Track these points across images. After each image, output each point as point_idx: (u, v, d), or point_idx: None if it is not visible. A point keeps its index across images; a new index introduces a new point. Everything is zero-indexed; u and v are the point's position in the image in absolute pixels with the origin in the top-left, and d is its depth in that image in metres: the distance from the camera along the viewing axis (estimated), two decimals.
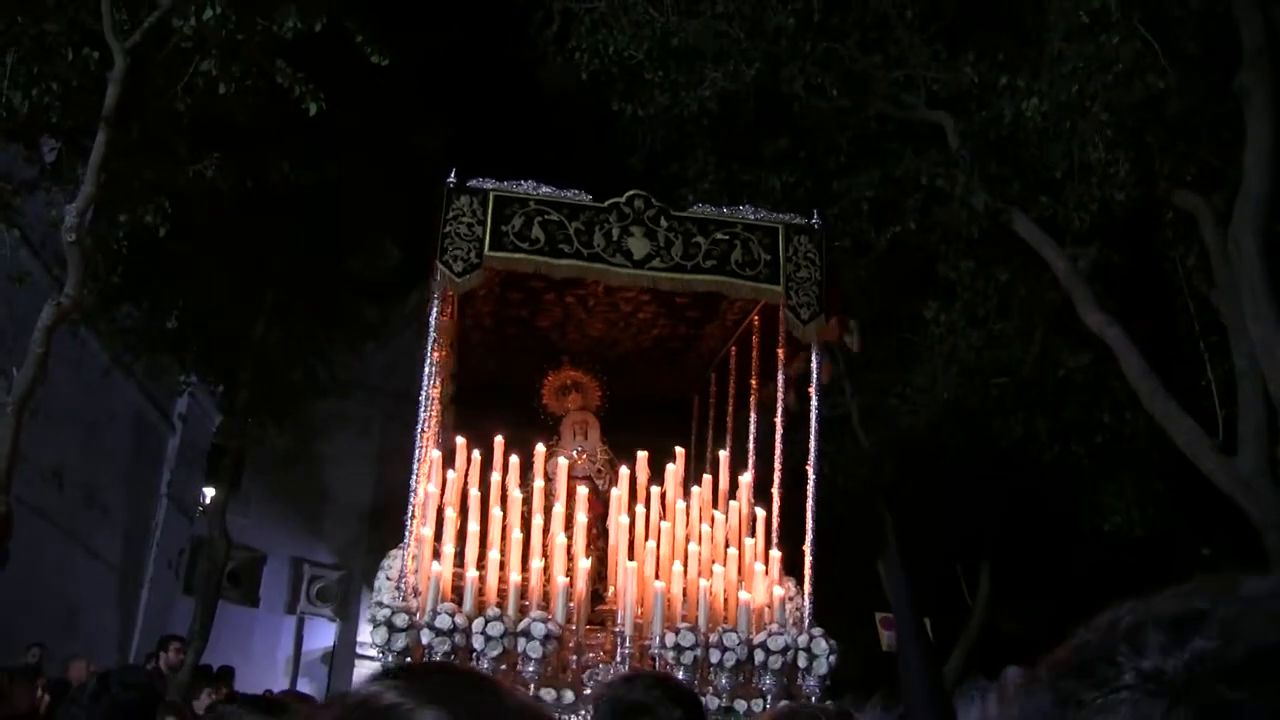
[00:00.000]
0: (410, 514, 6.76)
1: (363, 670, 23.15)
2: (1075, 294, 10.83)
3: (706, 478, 7.85)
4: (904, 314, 14.15)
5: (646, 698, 2.75)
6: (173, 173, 10.00)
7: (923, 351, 14.33)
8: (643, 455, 7.67)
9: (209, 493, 19.55)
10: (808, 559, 6.99)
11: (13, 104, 8.68)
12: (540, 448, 7.82)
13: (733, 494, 7.75)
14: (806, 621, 6.87)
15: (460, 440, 7.61)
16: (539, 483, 7.51)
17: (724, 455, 8.04)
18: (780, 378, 7.69)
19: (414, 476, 6.85)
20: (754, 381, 8.20)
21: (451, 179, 7.05)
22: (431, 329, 6.98)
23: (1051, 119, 9.95)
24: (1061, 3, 9.59)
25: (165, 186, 10.08)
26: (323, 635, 23.48)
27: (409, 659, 6.24)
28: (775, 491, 7.50)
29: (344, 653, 23.18)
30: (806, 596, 6.98)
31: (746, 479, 7.79)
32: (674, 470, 7.69)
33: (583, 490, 7.36)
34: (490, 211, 6.96)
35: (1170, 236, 11.24)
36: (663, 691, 2.80)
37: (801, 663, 6.69)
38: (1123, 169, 9.76)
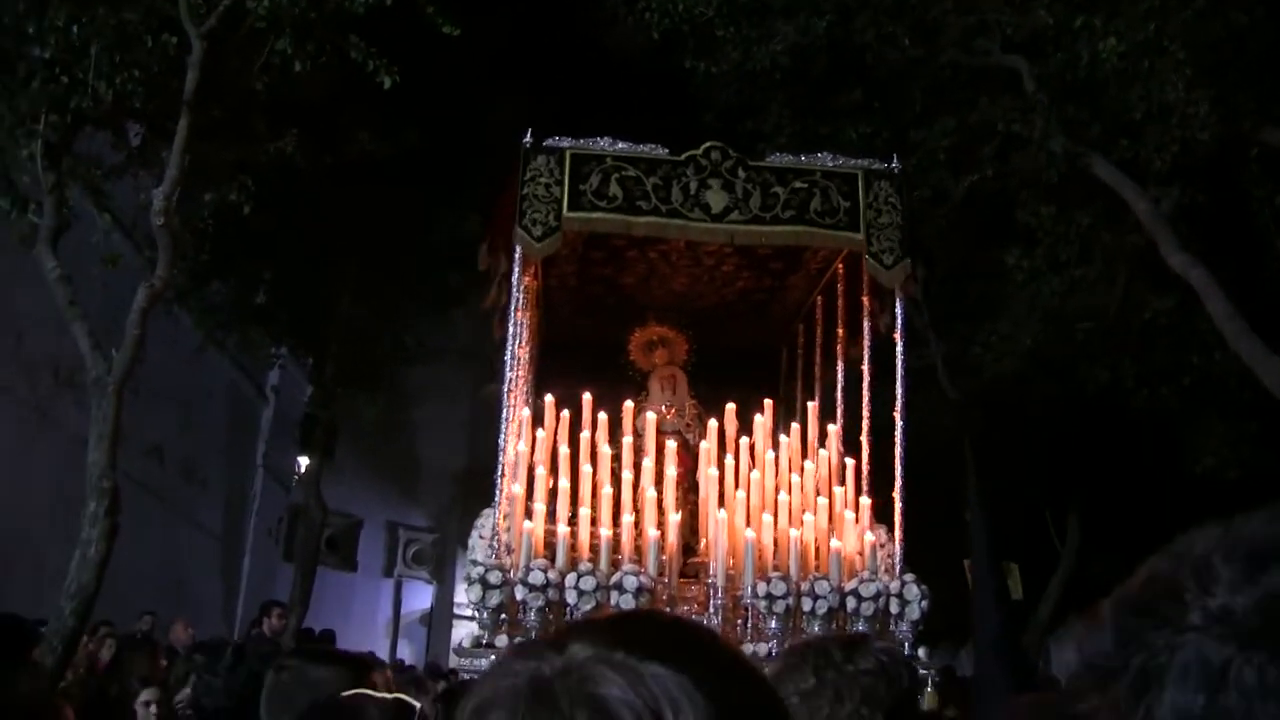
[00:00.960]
0: (500, 473, 6.80)
1: (460, 630, 23.60)
2: (1158, 236, 10.66)
3: (795, 427, 7.86)
4: (986, 262, 14.02)
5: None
6: (253, 151, 10.18)
7: (1006, 299, 14.20)
8: (730, 407, 7.69)
9: (303, 462, 20.00)
10: (898, 506, 6.96)
11: (98, 93, 8.84)
12: (629, 404, 7.87)
13: (821, 444, 7.74)
14: (898, 568, 6.86)
15: (549, 399, 7.69)
16: (628, 439, 7.55)
17: (812, 406, 8.06)
18: (866, 326, 7.70)
19: (502, 436, 6.89)
20: (840, 331, 8.19)
21: (528, 139, 7.06)
22: (515, 290, 6.97)
23: (1129, 60, 9.76)
24: None
25: (247, 165, 10.27)
26: (420, 597, 23.96)
27: (504, 616, 6.37)
28: (864, 440, 7.48)
29: (441, 613, 23.65)
30: (897, 544, 6.96)
31: (835, 428, 7.78)
32: (762, 421, 7.67)
33: (671, 444, 7.47)
34: (568, 170, 6.97)
35: (1256, 173, 10.98)
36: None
37: (894, 609, 6.69)
38: (1202, 109, 9.57)
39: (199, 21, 8.79)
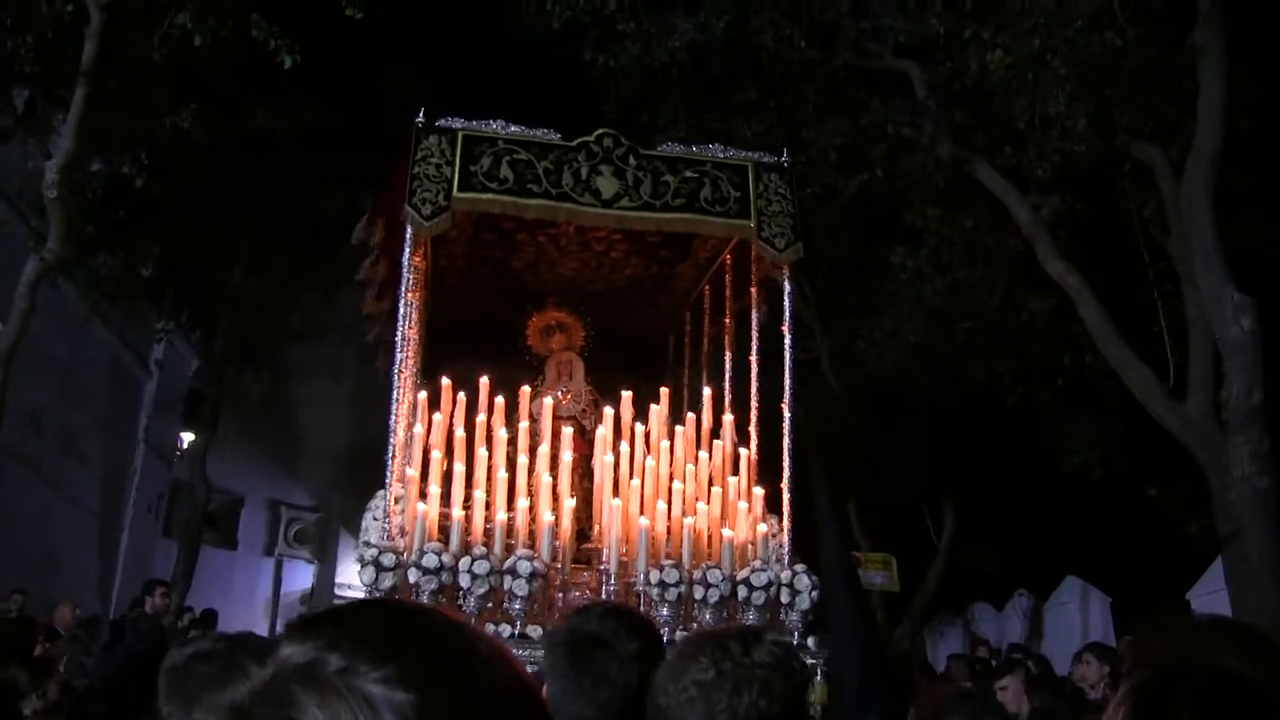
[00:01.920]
0: (390, 454, 6.76)
1: None
2: (1037, 242, 11.08)
3: (690, 416, 7.87)
4: (872, 260, 14.38)
5: (601, 629, 2.61)
6: (149, 123, 10.06)
7: (890, 296, 14.59)
8: (627, 395, 7.69)
9: (187, 437, 19.68)
10: (785, 497, 7.01)
11: None
12: (525, 388, 7.88)
13: (716, 433, 7.77)
14: (787, 558, 6.92)
15: (445, 381, 7.62)
16: (524, 423, 7.55)
17: (708, 394, 8.07)
18: (754, 318, 7.79)
19: (392, 418, 6.84)
20: (728, 320, 8.27)
21: (420, 119, 7.01)
22: (405, 269, 6.92)
23: (1014, 71, 10.12)
24: None
25: (142, 137, 10.15)
26: (301, 577, 23.68)
27: (397, 598, 6.18)
28: (753, 430, 7.52)
29: (322, 593, 23.40)
30: (786, 534, 7.01)
31: (730, 418, 7.83)
32: (659, 410, 7.69)
33: (568, 430, 7.40)
34: (459, 151, 6.93)
35: (1128, 187, 11.47)
36: (618, 622, 2.65)
37: (784, 598, 6.75)
38: (1081, 122, 9.98)
39: None
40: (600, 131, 7.20)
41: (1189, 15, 9.63)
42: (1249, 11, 10.22)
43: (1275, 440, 9.11)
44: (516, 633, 6.29)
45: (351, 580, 24.35)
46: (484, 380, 7.64)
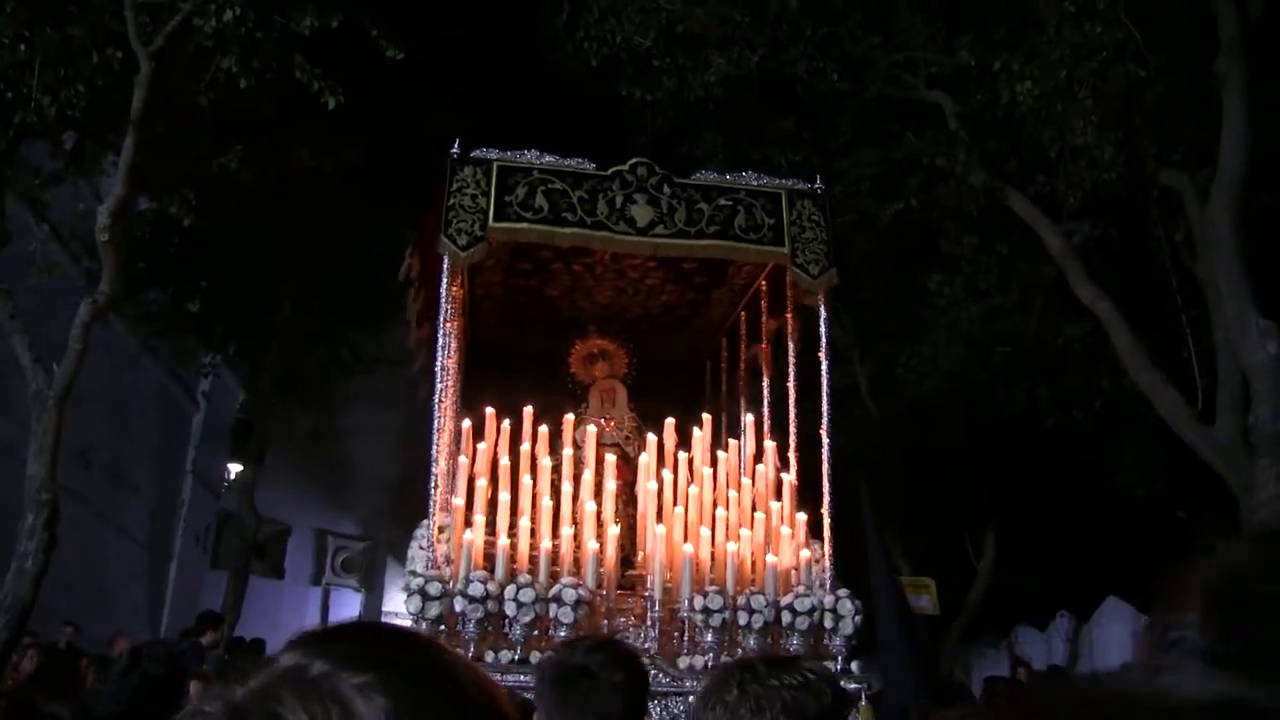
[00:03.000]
0: (433, 484, 6.77)
1: None
2: (1069, 269, 11.17)
3: (733, 442, 7.90)
4: (909, 287, 14.46)
5: (589, 661, 2.75)
6: (197, 166, 10.29)
7: (927, 323, 14.66)
8: (670, 421, 7.70)
9: (234, 468, 19.94)
10: (826, 522, 7.05)
11: (41, 106, 8.90)
12: (569, 416, 7.90)
13: (758, 459, 7.81)
14: (829, 584, 6.92)
15: (489, 410, 7.64)
16: (568, 451, 7.53)
17: (750, 420, 8.15)
18: (791, 345, 7.83)
19: (434, 447, 6.87)
20: (764, 346, 8.32)
21: (455, 150, 7.08)
22: (444, 300, 6.97)
23: (1043, 101, 10.22)
24: None
25: (190, 179, 10.37)
26: (348, 605, 23.82)
27: (442, 626, 6.35)
28: (792, 456, 7.57)
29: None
30: (828, 559, 7.02)
31: (772, 445, 7.79)
32: (701, 436, 7.71)
33: (611, 457, 7.44)
34: (494, 182, 6.99)
35: (1158, 214, 11.56)
36: (606, 655, 2.79)
37: (828, 623, 6.74)
38: (1108, 152, 10.07)
39: (147, 41, 8.86)
40: (634, 160, 7.27)
41: (1213, 42, 9.72)
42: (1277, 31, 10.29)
43: None
44: None
45: (399, 608, 24.36)
46: (528, 409, 7.66)
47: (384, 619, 23.28)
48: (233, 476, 20.37)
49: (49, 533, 8.18)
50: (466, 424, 7.37)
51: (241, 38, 9.25)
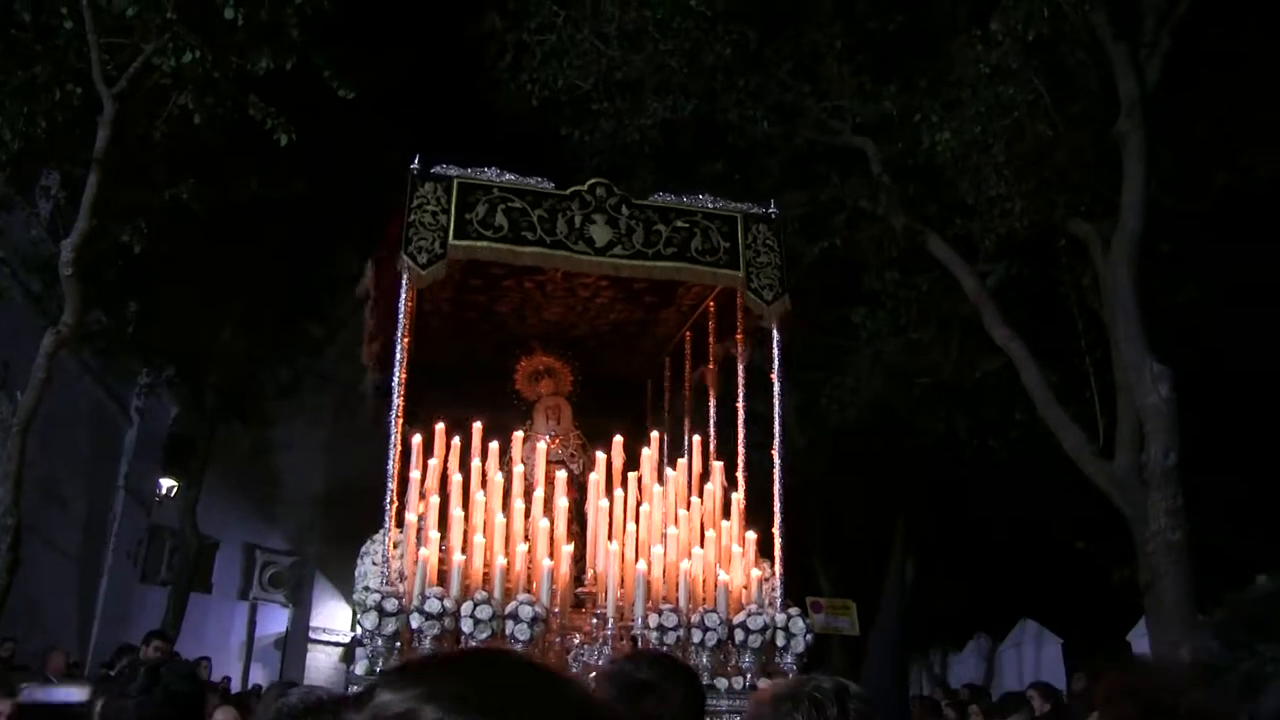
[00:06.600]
0: (389, 498, 6.71)
1: (316, 655, 23.71)
2: (983, 309, 11.81)
3: (681, 462, 7.88)
4: (833, 320, 14.98)
5: (650, 676, 2.82)
6: (150, 196, 10.50)
7: (851, 355, 15.21)
8: (618, 440, 7.71)
9: (166, 483, 19.97)
10: (778, 541, 7.13)
11: (4, 140, 9.11)
12: (518, 433, 7.89)
13: (706, 478, 7.80)
14: (779, 602, 7.00)
15: (440, 426, 7.58)
16: (519, 467, 7.49)
17: (697, 440, 8.11)
18: (740, 366, 7.92)
19: (390, 461, 6.77)
20: (711, 366, 8.44)
21: (415, 166, 6.98)
22: (401, 316, 6.90)
23: (960, 153, 10.84)
24: (967, 53, 10.47)
25: (142, 208, 10.57)
26: (276, 620, 23.88)
27: (397, 643, 6.35)
28: (740, 476, 7.59)
29: (297, 638, 23.64)
30: (778, 578, 7.10)
31: (719, 464, 7.83)
32: (649, 455, 7.72)
33: (561, 474, 7.49)
34: (454, 199, 6.97)
35: (1066, 260, 12.24)
36: (665, 669, 2.87)
37: (779, 641, 6.84)
38: (1019, 203, 10.71)
39: (111, 82, 9.10)
40: (593, 181, 7.33)
41: (1116, 103, 10.38)
42: (1177, 87, 10.99)
43: (1188, 497, 9.79)
44: None
45: (326, 624, 24.64)
46: (477, 425, 7.61)
47: (311, 635, 23.48)
48: (164, 491, 20.40)
49: (14, 555, 8.38)
50: (417, 439, 7.27)
51: (199, 77, 9.48)
